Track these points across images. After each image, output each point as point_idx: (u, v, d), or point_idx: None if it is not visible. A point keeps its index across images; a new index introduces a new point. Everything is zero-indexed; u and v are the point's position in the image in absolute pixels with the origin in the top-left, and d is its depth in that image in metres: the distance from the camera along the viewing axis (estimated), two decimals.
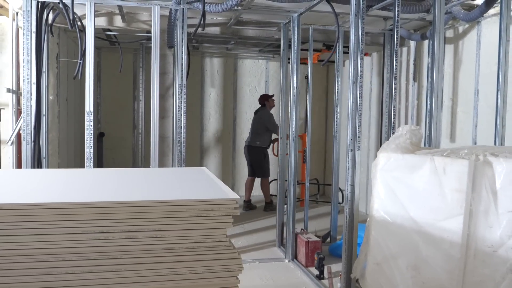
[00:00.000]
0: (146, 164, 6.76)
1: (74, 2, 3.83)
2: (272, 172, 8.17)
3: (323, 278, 4.09)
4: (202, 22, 4.25)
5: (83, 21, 4.48)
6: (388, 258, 2.57)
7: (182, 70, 4.27)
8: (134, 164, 7.63)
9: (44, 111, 4.28)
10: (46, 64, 4.35)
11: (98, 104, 7.56)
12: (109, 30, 5.57)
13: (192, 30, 4.66)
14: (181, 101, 4.27)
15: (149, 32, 5.10)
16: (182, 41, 4.24)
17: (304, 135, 6.82)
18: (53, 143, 5.25)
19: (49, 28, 4.40)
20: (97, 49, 7.22)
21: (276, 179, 7.07)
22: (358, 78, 3.29)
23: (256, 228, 5.92)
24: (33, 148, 4.08)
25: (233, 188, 7.87)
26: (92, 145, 4.05)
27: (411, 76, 5.85)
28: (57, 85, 5.52)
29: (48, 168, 4.32)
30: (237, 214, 1.88)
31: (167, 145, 5.03)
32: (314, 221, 6.23)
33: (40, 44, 4.17)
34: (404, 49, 6.00)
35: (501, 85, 3.62)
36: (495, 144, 3.67)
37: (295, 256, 4.66)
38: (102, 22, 5.09)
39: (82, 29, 4.31)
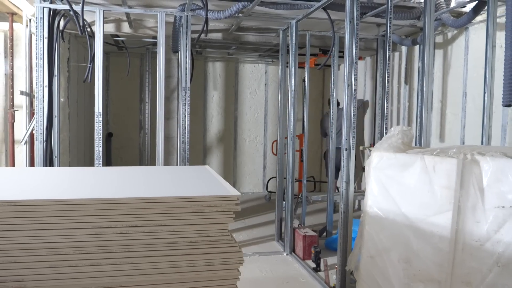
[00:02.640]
0: (152, 162, 6.76)
1: (84, 9, 3.83)
2: (272, 170, 8.18)
3: (319, 270, 4.10)
4: (205, 28, 4.25)
5: (92, 27, 4.49)
6: (381, 251, 2.57)
7: (186, 74, 4.27)
8: (141, 163, 7.64)
9: (55, 112, 4.28)
10: (57, 68, 4.36)
11: (107, 105, 7.56)
12: (117, 36, 5.57)
13: (195, 36, 4.66)
14: (185, 103, 4.27)
15: (155, 37, 5.10)
16: (186, 46, 4.25)
17: (301, 135, 6.84)
18: (64, 142, 5.25)
19: (60, 34, 4.41)
20: (105, 53, 7.22)
21: (275, 177, 7.08)
22: (353, 81, 3.29)
23: (256, 223, 5.92)
24: (45, 148, 4.08)
25: (234, 185, 7.88)
26: (101, 145, 4.05)
27: (402, 79, 5.84)
28: (68, 88, 5.52)
29: (59, 166, 4.32)
30: (238, 210, 1.88)
31: (172, 145, 5.03)
32: (311, 216, 6.24)
33: (52, 49, 4.17)
34: (396, 54, 6.00)
35: (488, 88, 3.62)
36: (482, 143, 3.67)
37: (293, 250, 4.66)
38: (110, 28, 5.09)
39: (92, 35, 4.31)
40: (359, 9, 3.27)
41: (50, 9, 4.03)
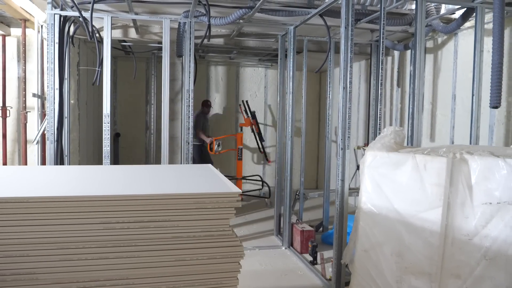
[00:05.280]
0: (158, 161, 6.76)
1: (93, 16, 3.83)
2: (271, 169, 8.17)
3: (316, 264, 4.09)
4: (207, 34, 4.25)
5: (101, 33, 4.49)
6: (374, 245, 2.57)
7: (189, 77, 4.26)
8: (147, 161, 7.63)
9: (66, 113, 4.28)
10: (67, 71, 4.35)
11: (115, 107, 7.55)
12: (124, 41, 5.57)
13: (198, 41, 4.66)
14: (189, 105, 4.27)
15: (160, 43, 5.09)
16: (190, 51, 4.24)
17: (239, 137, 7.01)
18: (74, 142, 5.25)
19: (70, 39, 4.40)
20: (113, 58, 7.21)
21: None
22: (348, 84, 3.29)
23: (256, 218, 5.92)
24: (56, 147, 4.08)
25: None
26: (109, 144, 4.05)
27: (395, 82, 5.84)
28: (77, 91, 5.52)
29: (69, 165, 4.32)
30: (239, 206, 1.88)
31: (176, 144, 5.03)
32: (308, 212, 6.23)
33: (62, 53, 4.17)
34: (389, 58, 6.00)
35: (476, 91, 3.62)
36: (470, 143, 3.67)
37: (291, 244, 4.66)
38: (118, 34, 5.09)
39: (100, 40, 4.31)
40: (353, 16, 3.26)
41: (60, 16, 4.03)
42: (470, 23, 4.20)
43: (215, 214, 1.85)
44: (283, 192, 4.80)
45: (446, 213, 2.20)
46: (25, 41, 4.72)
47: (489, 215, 2.06)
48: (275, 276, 3.82)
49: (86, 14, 3.87)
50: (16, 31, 5.13)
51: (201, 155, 6.81)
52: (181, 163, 4.60)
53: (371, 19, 4.27)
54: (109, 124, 4.04)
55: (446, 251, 2.21)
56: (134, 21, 4.73)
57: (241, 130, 7.28)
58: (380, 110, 3.64)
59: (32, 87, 4.87)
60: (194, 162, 6.14)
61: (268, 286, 3.60)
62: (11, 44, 5.15)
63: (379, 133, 3.33)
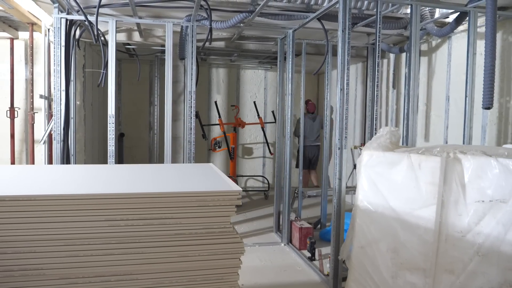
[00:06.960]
0: (161, 160, 6.76)
1: (98, 20, 3.82)
2: (271, 167, 8.17)
3: (314, 260, 4.09)
4: (209, 37, 4.25)
5: (106, 36, 4.48)
6: (370, 242, 2.57)
7: (192, 79, 4.26)
8: (150, 161, 7.63)
9: (72, 114, 4.28)
10: (73, 73, 4.35)
11: (119, 108, 7.55)
12: (129, 44, 5.57)
13: (200, 44, 4.66)
14: (191, 106, 4.27)
15: (163, 46, 5.09)
16: (192, 54, 4.24)
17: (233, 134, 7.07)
18: (79, 142, 5.25)
19: (76, 42, 4.40)
20: (118, 60, 7.20)
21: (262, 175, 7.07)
22: (345, 85, 3.29)
23: (256, 216, 5.92)
24: (62, 147, 4.08)
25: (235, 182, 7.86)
26: (113, 144, 4.05)
27: (390, 84, 5.84)
28: (83, 92, 5.51)
29: (75, 164, 4.32)
30: (239, 204, 1.88)
31: (178, 144, 5.03)
32: (306, 210, 6.23)
33: (69, 56, 4.17)
34: (385, 60, 6.00)
35: (469, 92, 3.62)
36: (463, 143, 3.67)
37: (290, 241, 4.66)
38: (122, 37, 5.09)
39: (105, 43, 4.31)
40: (350, 20, 3.26)
41: (67, 20, 4.03)
42: (463, 26, 4.20)
43: (216, 211, 1.85)
44: (282, 190, 4.80)
45: (440, 210, 2.21)
46: (32, 44, 4.71)
47: (481, 212, 2.06)
48: (274, 272, 3.82)
49: (92, 18, 3.87)
50: (23, 35, 5.13)
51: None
52: (183, 162, 4.60)
53: (368, 23, 4.27)
54: (113, 125, 4.04)
55: (440, 247, 2.21)
56: (138, 24, 4.73)
57: (234, 130, 7.30)
58: (376, 111, 3.64)
59: (39, 88, 4.87)
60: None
61: (267, 281, 3.60)
62: (19, 47, 5.15)
63: (375, 133, 3.33)
